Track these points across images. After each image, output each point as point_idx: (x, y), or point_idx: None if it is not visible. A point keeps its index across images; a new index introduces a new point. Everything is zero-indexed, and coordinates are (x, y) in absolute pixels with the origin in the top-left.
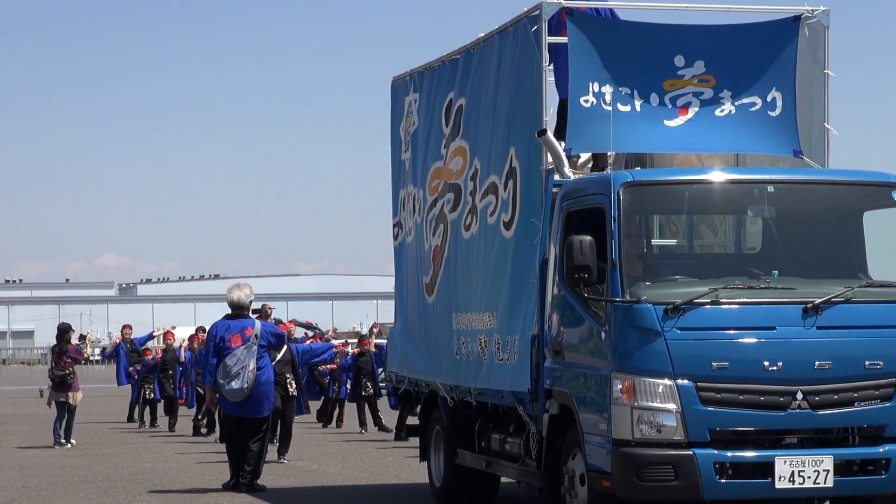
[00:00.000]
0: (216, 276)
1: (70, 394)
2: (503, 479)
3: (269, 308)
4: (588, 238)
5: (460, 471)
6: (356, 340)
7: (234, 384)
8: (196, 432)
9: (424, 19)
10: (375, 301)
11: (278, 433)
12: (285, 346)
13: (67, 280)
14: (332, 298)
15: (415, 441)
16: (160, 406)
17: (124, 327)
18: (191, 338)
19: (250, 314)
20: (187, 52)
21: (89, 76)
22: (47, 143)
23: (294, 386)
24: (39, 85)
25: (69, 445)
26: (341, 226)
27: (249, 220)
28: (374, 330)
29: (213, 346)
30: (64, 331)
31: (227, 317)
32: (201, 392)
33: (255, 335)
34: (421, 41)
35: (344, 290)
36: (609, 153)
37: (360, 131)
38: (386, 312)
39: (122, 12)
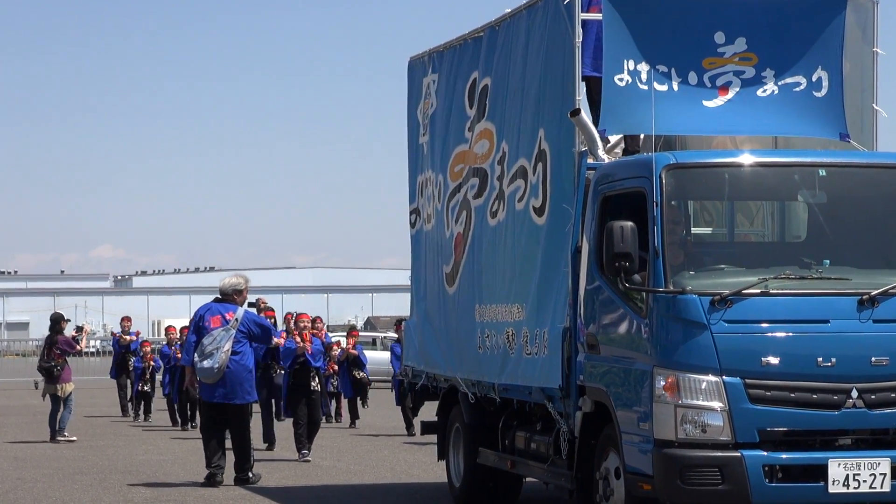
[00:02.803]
0: (211, 269)
1: (58, 385)
2: (527, 479)
3: (263, 302)
4: (630, 224)
5: (481, 470)
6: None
7: (206, 363)
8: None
9: (431, 4)
10: (370, 294)
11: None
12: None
13: (62, 272)
14: (328, 291)
15: (409, 435)
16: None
17: (123, 319)
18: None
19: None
20: (183, 46)
21: (85, 69)
22: (42, 135)
23: (317, 381)
24: (34, 78)
25: (60, 440)
26: (337, 219)
27: (245, 212)
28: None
29: (194, 325)
30: (56, 321)
31: (214, 300)
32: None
33: (236, 319)
34: (428, 25)
35: (339, 283)
36: (642, 134)
37: (358, 123)
38: (381, 306)
39: (124, 6)
